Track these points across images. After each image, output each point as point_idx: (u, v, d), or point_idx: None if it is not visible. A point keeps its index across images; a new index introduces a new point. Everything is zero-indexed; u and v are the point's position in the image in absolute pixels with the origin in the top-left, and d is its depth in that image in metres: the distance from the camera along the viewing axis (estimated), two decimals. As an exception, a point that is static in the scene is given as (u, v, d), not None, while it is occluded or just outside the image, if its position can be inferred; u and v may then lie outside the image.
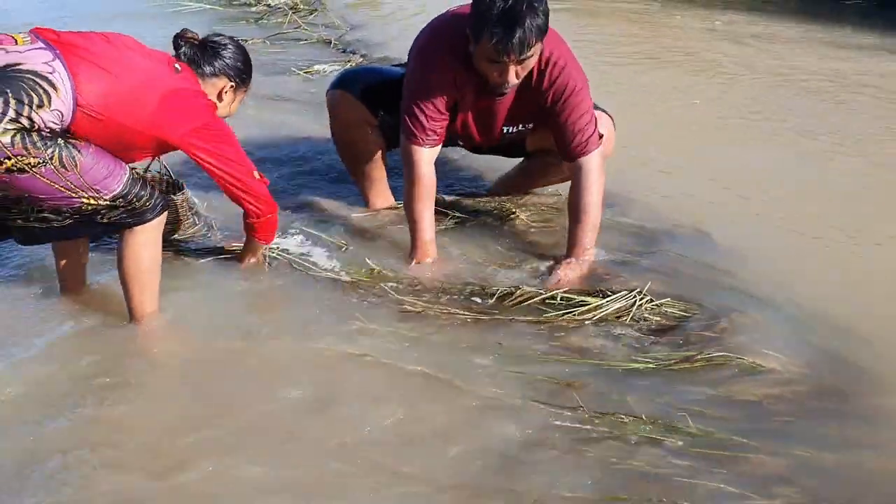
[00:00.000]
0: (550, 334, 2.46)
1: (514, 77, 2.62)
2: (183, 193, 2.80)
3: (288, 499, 1.88)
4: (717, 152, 3.91)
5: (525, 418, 2.11)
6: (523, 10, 2.47)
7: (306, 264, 2.85)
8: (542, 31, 2.54)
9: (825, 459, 1.97)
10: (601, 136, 2.84)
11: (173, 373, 2.39)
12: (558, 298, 2.60)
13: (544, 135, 2.94)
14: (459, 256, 2.90)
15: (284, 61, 5.49)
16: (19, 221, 2.37)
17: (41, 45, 2.21)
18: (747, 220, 3.20)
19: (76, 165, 2.23)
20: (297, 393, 2.23)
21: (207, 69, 2.53)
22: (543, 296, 2.62)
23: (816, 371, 2.28)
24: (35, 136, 2.16)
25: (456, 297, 2.66)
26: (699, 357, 2.31)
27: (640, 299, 2.55)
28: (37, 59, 2.17)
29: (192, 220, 2.89)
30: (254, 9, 7.17)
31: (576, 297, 2.60)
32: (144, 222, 2.41)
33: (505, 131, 2.96)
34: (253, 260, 2.82)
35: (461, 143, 3.13)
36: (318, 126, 4.03)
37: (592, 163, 2.80)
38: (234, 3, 7.39)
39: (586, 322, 2.51)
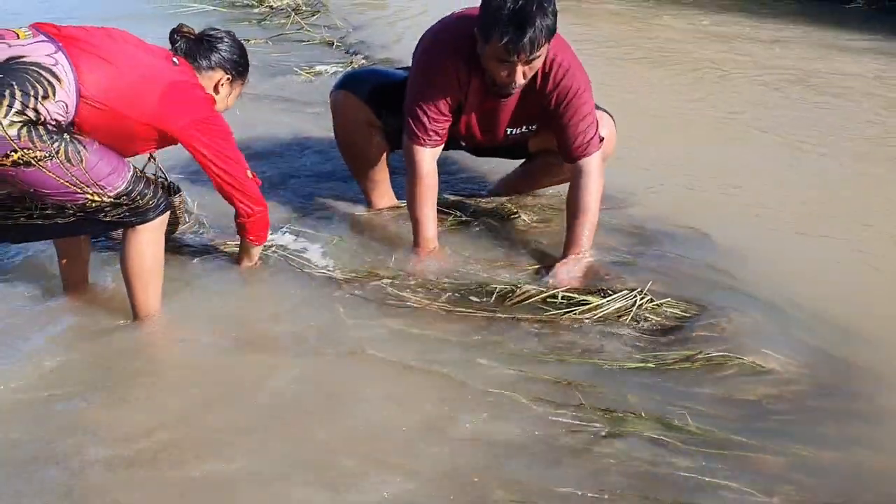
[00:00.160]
0: (551, 333, 2.47)
1: (521, 77, 2.63)
2: (179, 196, 2.81)
3: (287, 493, 1.89)
4: (718, 152, 3.93)
5: (525, 416, 2.11)
6: (533, 10, 2.48)
7: (305, 262, 2.86)
8: (552, 31, 2.55)
9: (824, 458, 1.97)
10: (602, 139, 2.85)
11: (177, 371, 2.40)
12: (559, 297, 2.61)
13: (547, 136, 2.95)
14: (461, 255, 2.91)
15: (286, 62, 5.50)
16: (22, 219, 2.37)
17: (43, 38, 2.22)
18: (747, 220, 3.20)
19: (82, 161, 2.24)
20: (299, 390, 2.24)
21: (204, 62, 2.54)
22: (544, 294, 2.62)
23: (816, 371, 2.28)
24: (41, 130, 2.17)
25: (456, 294, 2.66)
26: (699, 357, 2.32)
27: (641, 299, 2.56)
28: (40, 51, 2.18)
29: (186, 220, 2.92)
30: (256, 10, 7.20)
31: (576, 296, 2.60)
32: (147, 221, 2.41)
33: (508, 133, 2.97)
34: (249, 263, 2.82)
35: (464, 145, 3.14)
36: (320, 127, 4.05)
37: (592, 164, 2.82)
38: (237, 4, 7.42)
39: (587, 321, 2.51)
